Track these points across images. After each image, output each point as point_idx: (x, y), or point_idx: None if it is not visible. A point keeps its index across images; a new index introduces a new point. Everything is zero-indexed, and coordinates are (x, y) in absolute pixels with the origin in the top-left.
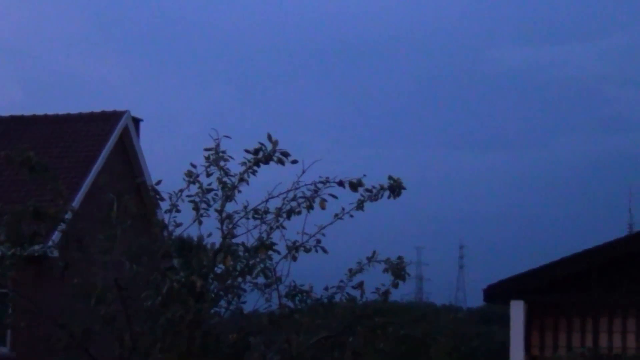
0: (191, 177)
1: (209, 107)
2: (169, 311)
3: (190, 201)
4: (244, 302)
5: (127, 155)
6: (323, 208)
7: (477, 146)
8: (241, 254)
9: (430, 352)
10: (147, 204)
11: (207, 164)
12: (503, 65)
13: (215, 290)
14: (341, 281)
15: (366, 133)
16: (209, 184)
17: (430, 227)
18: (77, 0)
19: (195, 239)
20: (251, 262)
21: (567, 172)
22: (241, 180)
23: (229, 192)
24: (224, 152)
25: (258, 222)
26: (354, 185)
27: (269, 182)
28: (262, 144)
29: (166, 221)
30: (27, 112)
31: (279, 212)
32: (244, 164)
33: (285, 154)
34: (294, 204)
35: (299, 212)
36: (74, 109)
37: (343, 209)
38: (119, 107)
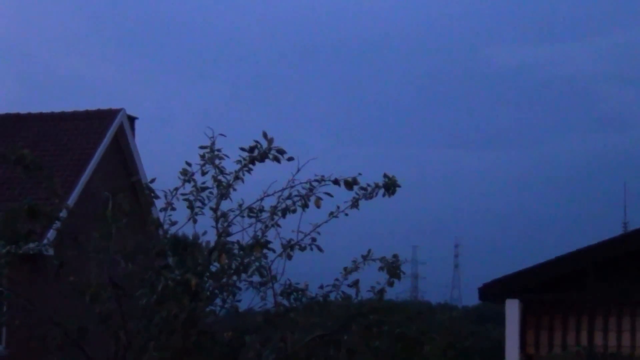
0: (186, 176)
1: (205, 106)
2: (164, 309)
3: (185, 199)
4: (239, 301)
5: (123, 153)
6: (318, 206)
7: (473, 145)
8: (236, 252)
9: (425, 350)
10: (142, 202)
11: (202, 163)
12: (500, 64)
13: (210, 289)
14: (336, 279)
15: (363, 132)
16: (203, 183)
17: (425, 226)
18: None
19: (190, 237)
20: (246, 260)
21: (562, 171)
22: (236, 178)
23: (224, 191)
24: (219, 150)
25: (253, 220)
26: (349, 184)
27: (264, 181)
28: (257, 142)
29: (161, 219)
30: (22, 110)
31: (274, 211)
32: (239, 162)
33: (281, 152)
34: (289, 202)
35: (294, 211)
36: (69, 107)
37: (338, 207)
38: (114, 105)
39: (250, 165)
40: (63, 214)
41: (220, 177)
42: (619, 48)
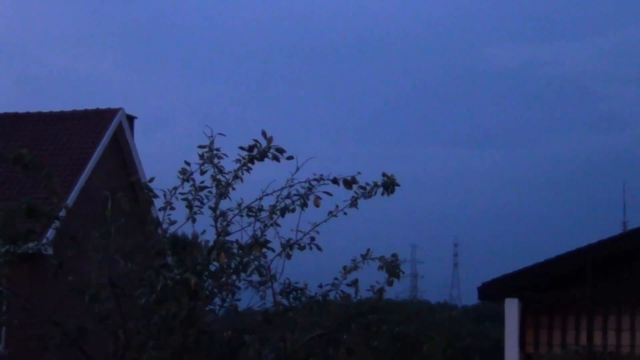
0: (185, 175)
1: (204, 105)
2: (163, 309)
3: (184, 199)
4: (239, 300)
5: (121, 153)
6: (317, 206)
7: (472, 144)
8: (235, 251)
9: (425, 349)
10: (141, 201)
11: (201, 162)
12: (500, 63)
13: (209, 288)
14: (336, 279)
15: (362, 131)
16: (202, 182)
17: (425, 225)
18: None
19: (189, 236)
20: (245, 259)
21: (562, 170)
22: (236, 177)
23: (223, 190)
24: (218, 149)
25: (252, 219)
26: (348, 183)
27: (263, 180)
28: (256, 140)
29: (160, 219)
30: (21, 110)
31: (273, 210)
32: (238, 161)
33: (280, 150)
34: (288, 201)
35: (293, 210)
36: (68, 107)
37: (337, 206)
38: (113, 105)
39: (250, 164)
40: (62, 213)
41: (219, 176)
42: (618, 47)
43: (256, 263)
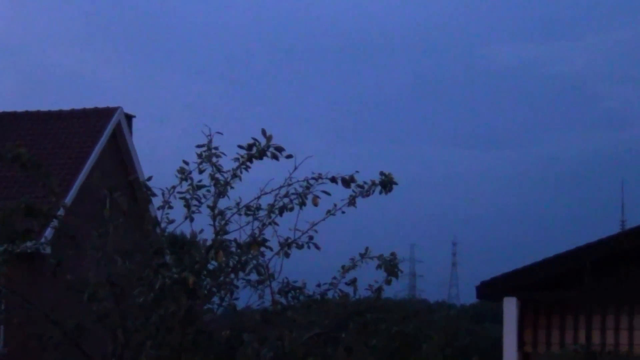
0: (183, 174)
1: (203, 104)
2: (162, 308)
3: (182, 198)
4: (237, 299)
5: (120, 151)
6: (316, 205)
7: (471, 143)
8: (234, 250)
9: (423, 348)
10: (139, 200)
11: (199, 161)
12: (499, 62)
13: (208, 287)
14: (334, 278)
15: (361, 130)
16: (199, 181)
17: (423, 224)
18: None
19: (187, 235)
20: (244, 258)
21: (560, 169)
22: (234, 176)
23: (221, 189)
24: (216, 148)
25: (250, 218)
26: (347, 182)
27: (261, 179)
28: (255, 139)
29: (159, 218)
30: (20, 108)
31: (271, 209)
32: (236, 159)
33: (280, 149)
34: (286, 200)
35: (292, 209)
36: (66, 106)
37: (335, 205)
38: (112, 104)
39: (248, 163)
40: (60, 212)
41: (217, 175)
42: (618, 46)
43: (254, 262)
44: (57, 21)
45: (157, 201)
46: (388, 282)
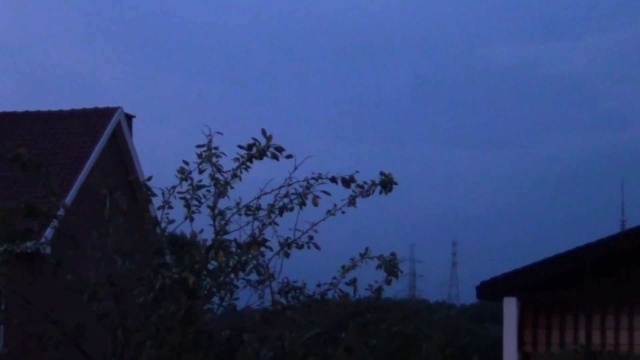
0: (183, 174)
1: (202, 104)
2: (162, 308)
3: (182, 198)
4: (237, 299)
5: (120, 151)
6: (316, 205)
7: (471, 143)
8: (234, 250)
9: (423, 348)
10: (139, 200)
11: (199, 161)
12: (499, 62)
13: (208, 287)
14: (334, 278)
15: (361, 130)
16: (199, 181)
17: (423, 224)
18: None
19: (187, 235)
20: (244, 258)
21: (560, 169)
22: (234, 176)
23: (221, 189)
24: (216, 148)
25: (250, 218)
26: (347, 182)
27: (261, 179)
28: (255, 139)
29: (159, 218)
30: (20, 108)
31: (271, 209)
32: (236, 159)
33: (280, 149)
34: (286, 200)
35: (292, 209)
36: (66, 106)
37: (335, 205)
38: (112, 104)
39: (248, 163)
40: (60, 212)
41: (217, 175)
42: (618, 46)
43: (254, 262)
44: (57, 21)
45: (157, 201)
46: (388, 282)
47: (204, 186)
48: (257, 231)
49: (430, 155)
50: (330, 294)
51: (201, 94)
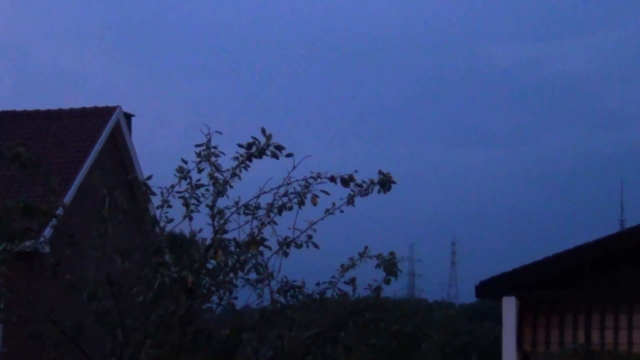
0: (182, 173)
1: (201, 103)
2: (161, 307)
3: (180, 197)
4: (236, 298)
5: (119, 150)
6: (315, 204)
7: (470, 143)
8: (233, 249)
9: (422, 347)
10: (139, 200)
11: (198, 160)
12: (497, 62)
13: (207, 286)
14: (333, 277)
15: (360, 130)
16: (198, 180)
17: (422, 223)
18: None
19: (187, 234)
20: (243, 257)
21: (560, 169)
22: (234, 175)
23: (220, 188)
24: (215, 147)
25: (249, 217)
26: (346, 181)
27: (260, 178)
28: (255, 138)
29: (158, 217)
30: (19, 108)
31: (270, 208)
32: (236, 158)
33: (280, 148)
34: (285, 199)
35: (291, 208)
36: (65, 105)
37: (334, 204)
38: (111, 103)
39: (248, 162)
40: (59, 211)
41: (216, 174)
42: (617, 45)
43: (253, 261)
44: (56, 21)
45: (156, 200)
46: (387, 282)
47: (202, 185)
48: (256, 230)
49: (430, 154)
50: (329, 293)
51: (201, 93)
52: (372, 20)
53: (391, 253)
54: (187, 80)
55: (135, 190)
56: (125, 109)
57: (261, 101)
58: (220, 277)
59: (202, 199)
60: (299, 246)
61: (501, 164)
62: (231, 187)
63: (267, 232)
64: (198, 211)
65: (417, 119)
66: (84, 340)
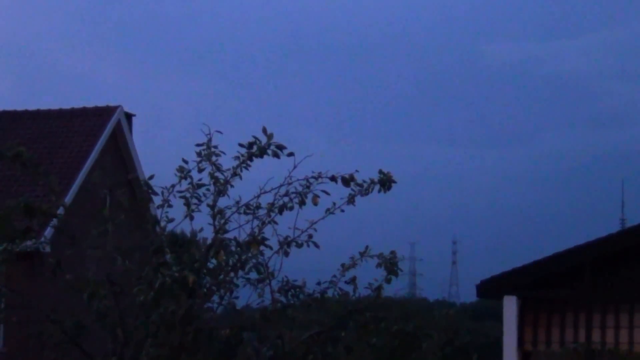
0: (183, 173)
1: (202, 103)
2: (162, 306)
3: (181, 197)
4: (237, 298)
5: (120, 150)
6: (315, 204)
7: (471, 142)
8: (233, 249)
9: (423, 347)
10: (139, 199)
11: (198, 160)
12: (498, 61)
13: (207, 286)
14: (334, 276)
15: (360, 129)
16: (199, 179)
17: (423, 223)
18: None
19: (187, 234)
20: (243, 257)
21: (560, 168)
22: (234, 174)
23: (221, 187)
24: (215, 147)
25: (250, 217)
26: (346, 181)
27: (260, 178)
28: (256, 137)
29: (158, 216)
30: (20, 108)
31: (271, 208)
32: (237, 158)
33: (281, 147)
34: (286, 199)
35: (291, 208)
36: (66, 105)
37: (334, 203)
38: (112, 103)
39: (249, 162)
40: (60, 211)
41: (217, 174)
42: (617, 45)
43: (254, 261)
44: (57, 21)
45: (156, 200)
46: (388, 281)
47: (203, 185)
48: (256, 230)
49: (430, 153)
50: (330, 293)
51: (201, 93)
52: (372, 20)
53: (392, 252)
54: (188, 80)
55: (136, 189)
56: (126, 109)
57: (262, 101)
58: (221, 276)
59: (203, 198)
60: (299, 246)
61: (501, 163)
62: (232, 186)
63: (267, 231)
64: (199, 211)
65: (418, 118)
66: (85, 340)
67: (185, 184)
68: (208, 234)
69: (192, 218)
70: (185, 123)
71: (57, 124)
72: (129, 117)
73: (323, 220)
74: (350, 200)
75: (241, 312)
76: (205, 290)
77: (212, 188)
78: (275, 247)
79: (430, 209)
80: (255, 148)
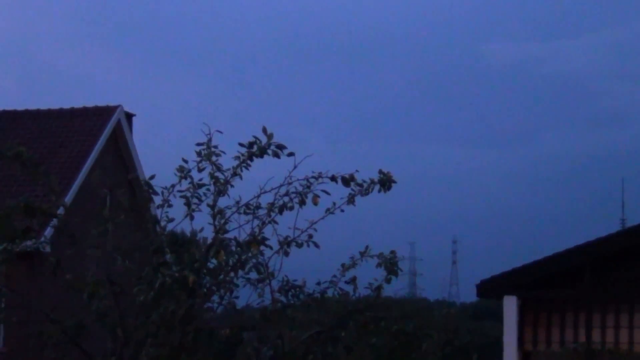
0: (183, 173)
1: (202, 103)
2: (162, 306)
3: (182, 196)
4: (237, 297)
5: (120, 150)
6: (316, 204)
7: (471, 142)
8: (233, 249)
9: (423, 347)
10: (139, 199)
11: (198, 159)
12: (497, 61)
13: (207, 285)
14: (334, 276)
15: (361, 129)
16: (200, 179)
17: (423, 223)
18: None
19: (187, 234)
20: (244, 257)
21: (560, 168)
22: (235, 174)
23: (221, 187)
24: (215, 146)
25: (250, 217)
26: (347, 181)
27: (261, 178)
28: (256, 137)
29: (158, 216)
30: (20, 107)
31: (271, 207)
32: (237, 158)
33: (281, 147)
34: (286, 199)
35: (291, 208)
36: (66, 104)
37: (334, 203)
38: (112, 102)
39: (249, 161)
40: (60, 211)
41: (217, 173)
42: (617, 45)
43: (254, 260)
44: (57, 21)
45: (156, 200)
46: (388, 281)
47: (204, 185)
48: (256, 230)
49: (430, 153)
50: (330, 293)
51: (201, 94)
52: (372, 20)
53: (392, 252)
54: (188, 80)
55: (136, 189)
56: (126, 109)
57: (262, 101)
58: (221, 276)
59: (203, 198)
60: (299, 245)
61: (502, 163)
62: (232, 186)
63: (267, 231)
64: (199, 210)
65: (418, 118)
66: (85, 339)
67: (185, 184)
68: (208, 233)
69: (192, 218)
70: (185, 123)
71: (57, 123)
72: (129, 117)
73: (323, 220)
74: (350, 200)
75: (241, 312)
76: (205, 290)
77: (212, 188)
78: (275, 247)
79: (430, 208)
80: (255, 148)
